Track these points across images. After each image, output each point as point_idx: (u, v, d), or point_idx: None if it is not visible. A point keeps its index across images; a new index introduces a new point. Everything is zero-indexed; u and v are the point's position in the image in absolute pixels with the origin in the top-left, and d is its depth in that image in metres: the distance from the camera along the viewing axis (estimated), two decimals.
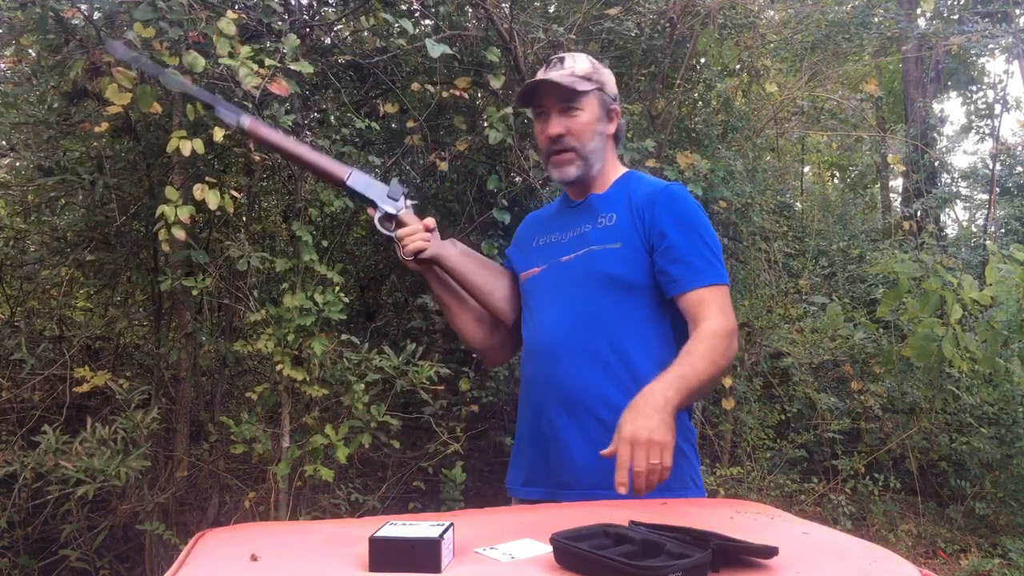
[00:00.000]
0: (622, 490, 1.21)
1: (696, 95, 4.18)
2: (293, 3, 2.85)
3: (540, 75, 1.64)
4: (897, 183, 10.19)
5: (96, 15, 2.49)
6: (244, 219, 3.13)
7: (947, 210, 9.01)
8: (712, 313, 1.46)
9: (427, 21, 3.26)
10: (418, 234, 1.60)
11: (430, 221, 1.63)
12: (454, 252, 1.66)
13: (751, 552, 0.94)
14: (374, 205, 1.62)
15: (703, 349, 1.40)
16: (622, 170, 1.70)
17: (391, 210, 1.62)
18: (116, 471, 2.28)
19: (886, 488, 4.37)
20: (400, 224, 1.61)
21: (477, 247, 1.67)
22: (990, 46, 7.11)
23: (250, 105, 2.40)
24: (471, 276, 1.69)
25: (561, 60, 1.64)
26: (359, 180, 1.61)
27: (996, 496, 4.39)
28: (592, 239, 1.60)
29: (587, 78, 1.60)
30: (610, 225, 1.59)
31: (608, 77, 1.66)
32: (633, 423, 1.24)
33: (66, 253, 3.05)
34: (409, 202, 1.63)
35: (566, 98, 1.58)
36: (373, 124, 2.92)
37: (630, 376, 1.50)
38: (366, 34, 3.09)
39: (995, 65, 16.90)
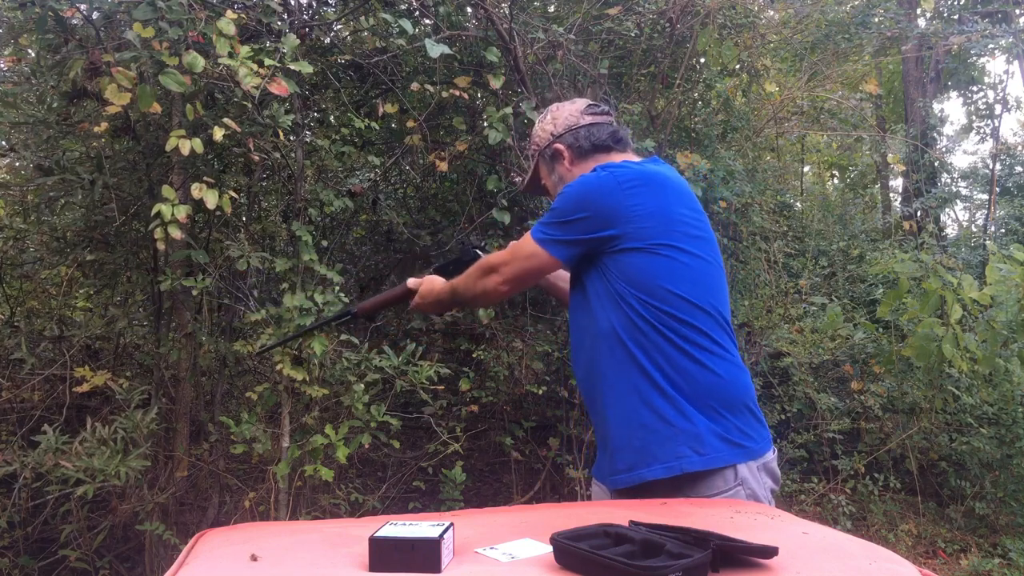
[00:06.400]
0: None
1: (696, 95, 4.17)
2: (293, 3, 2.85)
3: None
4: (897, 183, 10.20)
5: (95, 15, 2.49)
6: (244, 219, 3.13)
7: (947, 210, 9.02)
8: (496, 253, 1.75)
9: (427, 21, 3.25)
10: None
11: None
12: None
13: (751, 552, 0.94)
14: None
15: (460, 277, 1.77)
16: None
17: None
18: (116, 471, 2.28)
19: (886, 488, 4.37)
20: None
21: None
22: (990, 46, 7.10)
23: (250, 105, 2.41)
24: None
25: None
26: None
27: (996, 496, 4.38)
28: None
29: (531, 155, 1.87)
30: None
31: (543, 127, 1.81)
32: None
33: (66, 253, 3.05)
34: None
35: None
36: (373, 124, 2.91)
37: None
38: (366, 34, 3.09)
39: (995, 65, 16.89)
